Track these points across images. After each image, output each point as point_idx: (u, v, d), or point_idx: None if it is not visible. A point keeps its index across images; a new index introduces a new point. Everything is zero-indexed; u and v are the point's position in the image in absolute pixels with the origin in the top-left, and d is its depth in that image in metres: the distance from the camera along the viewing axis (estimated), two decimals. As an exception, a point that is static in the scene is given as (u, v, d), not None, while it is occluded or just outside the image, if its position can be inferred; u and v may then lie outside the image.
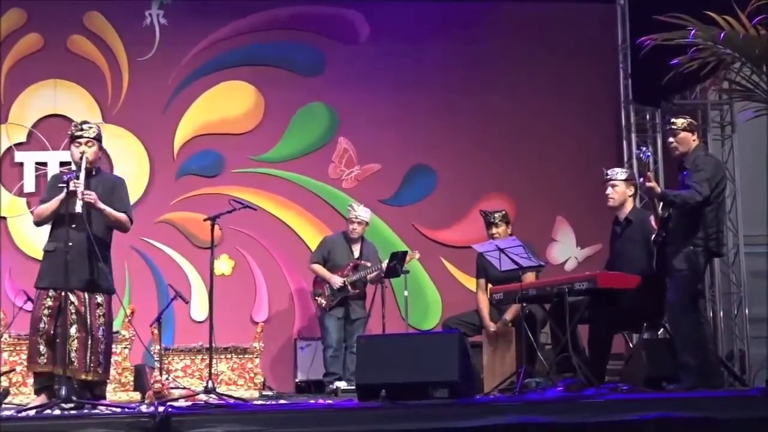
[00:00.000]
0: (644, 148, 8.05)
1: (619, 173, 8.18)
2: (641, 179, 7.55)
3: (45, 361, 7.08)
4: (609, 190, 8.14)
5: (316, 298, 9.89)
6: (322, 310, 9.84)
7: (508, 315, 8.74)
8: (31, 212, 7.49)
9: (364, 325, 9.80)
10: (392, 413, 6.17)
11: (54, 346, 7.07)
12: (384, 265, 9.58)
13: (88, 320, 7.13)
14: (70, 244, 6.96)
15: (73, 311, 7.06)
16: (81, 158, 7.17)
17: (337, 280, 9.75)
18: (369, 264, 9.80)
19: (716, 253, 7.57)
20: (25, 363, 7.57)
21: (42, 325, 7.09)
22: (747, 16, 7.11)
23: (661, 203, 7.46)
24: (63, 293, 7.00)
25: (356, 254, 9.91)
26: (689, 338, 7.28)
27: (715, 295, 10.64)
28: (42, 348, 7.09)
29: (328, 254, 9.94)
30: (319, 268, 9.91)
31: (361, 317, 9.81)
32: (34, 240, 9.66)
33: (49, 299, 7.12)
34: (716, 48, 7.28)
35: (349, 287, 9.75)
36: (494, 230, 9.03)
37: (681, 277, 7.28)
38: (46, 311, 7.10)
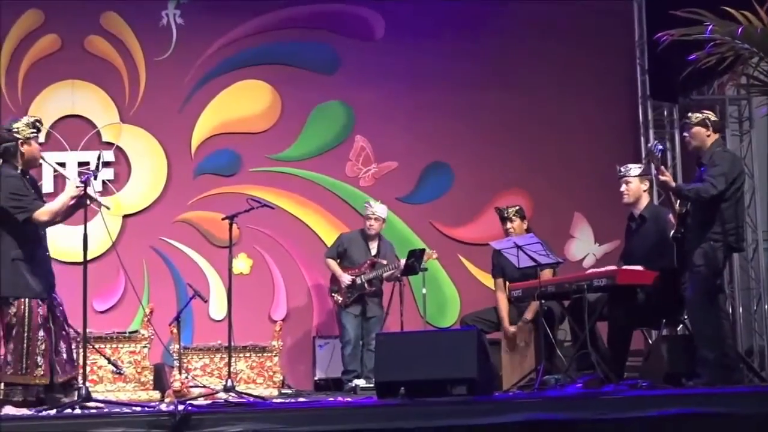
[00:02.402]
0: (656, 143, 8.03)
1: (632, 169, 8.15)
2: (656, 173, 7.53)
3: (42, 372, 6.84)
4: (623, 187, 8.12)
5: (333, 294, 9.90)
6: (338, 307, 9.85)
7: (528, 315, 8.73)
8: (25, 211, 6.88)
9: (380, 323, 9.80)
10: (411, 410, 6.17)
11: (50, 357, 6.91)
12: (401, 262, 9.59)
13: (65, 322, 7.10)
14: (47, 252, 7.00)
15: (58, 315, 6.94)
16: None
17: (345, 279, 9.75)
18: (385, 262, 9.80)
19: (735, 248, 7.55)
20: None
21: (41, 334, 6.87)
22: (765, 10, 7.09)
23: (678, 199, 7.45)
24: (49, 300, 6.95)
25: (373, 252, 9.92)
26: (708, 334, 7.26)
27: (734, 290, 10.61)
28: (39, 359, 6.85)
29: (343, 251, 9.95)
30: (332, 264, 9.93)
31: (378, 315, 9.81)
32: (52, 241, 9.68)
33: (40, 308, 6.91)
34: (734, 43, 7.25)
35: (366, 285, 9.75)
36: (509, 225, 9.03)
37: (699, 273, 7.26)
38: (41, 320, 6.88)
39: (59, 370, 6.90)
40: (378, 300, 9.87)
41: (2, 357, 6.98)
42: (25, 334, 6.87)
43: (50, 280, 7.02)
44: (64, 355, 6.99)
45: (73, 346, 7.19)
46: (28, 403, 6.78)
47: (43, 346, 6.89)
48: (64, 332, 7.07)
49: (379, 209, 9.92)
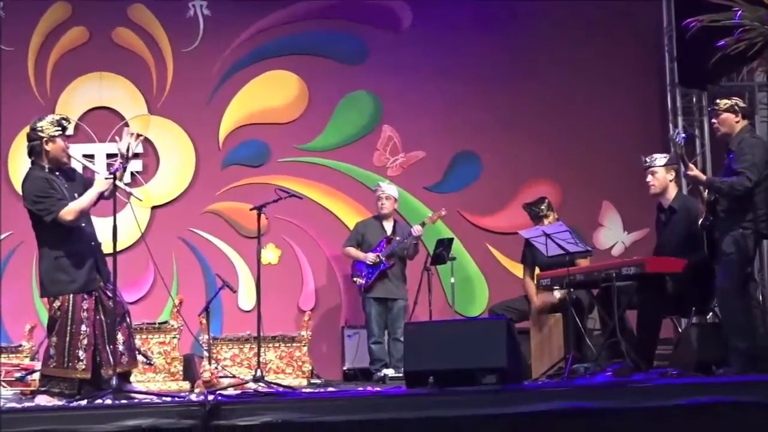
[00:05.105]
0: (678, 131, 7.98)
1: (657, 159, 8.08)
2: (683, 169, 7.48)
3: (83, 367, 6.89)
4: (649, 178, 8.06)
5: (355, 279, 9.91)
6: (362, 292, 9.85)
7: (558, 293, 8.68)
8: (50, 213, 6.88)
9: (405, 312, 9.80)
10: (441, 400, 6.18)
11: (94, 351, 6.94)
12: (417, 228, 9.72)
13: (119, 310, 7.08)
14: (93, 243, 7.01)
15: (114, 306, 6.92)
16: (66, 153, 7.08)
17: (370, 256, 9.79)
18: (399, 237, 9.83)
19: (766, 235, 7.49)
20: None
21: (84, 328, 6.91)
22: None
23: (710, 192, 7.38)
24: (99, 292, 6.99)
25: (389, 232, 9.96)
26: (739, 322, 7.21)
27: (765, 278, 10.54)
28: (81, 353, 6.89)
29: (362, 238, 10.00)
30: (352, 250, 9.97)
31: (400, 298, 9.81)
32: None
33: (85, 302, 6.95)
34: (763, 28, 7.22)
35: (384, 260, 9.76)
36: (545, 222, 8.93)
37: (730, 261, 7.21)
38: (84, 314, 6.93)
39: (112, 361, 6.87)
40: (399, 283, 9.88)
41: (45, 349, 7.05)
42: (68, 329, 6.91)
43: (94, 274, 7.01)
44: (121, 346, 7.02)
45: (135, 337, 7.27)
46: (65, 395, 6.83)
47: (85, 341, 6.93)
48: (125, 323, 7.12)
49: (387, 188, 10.01)
